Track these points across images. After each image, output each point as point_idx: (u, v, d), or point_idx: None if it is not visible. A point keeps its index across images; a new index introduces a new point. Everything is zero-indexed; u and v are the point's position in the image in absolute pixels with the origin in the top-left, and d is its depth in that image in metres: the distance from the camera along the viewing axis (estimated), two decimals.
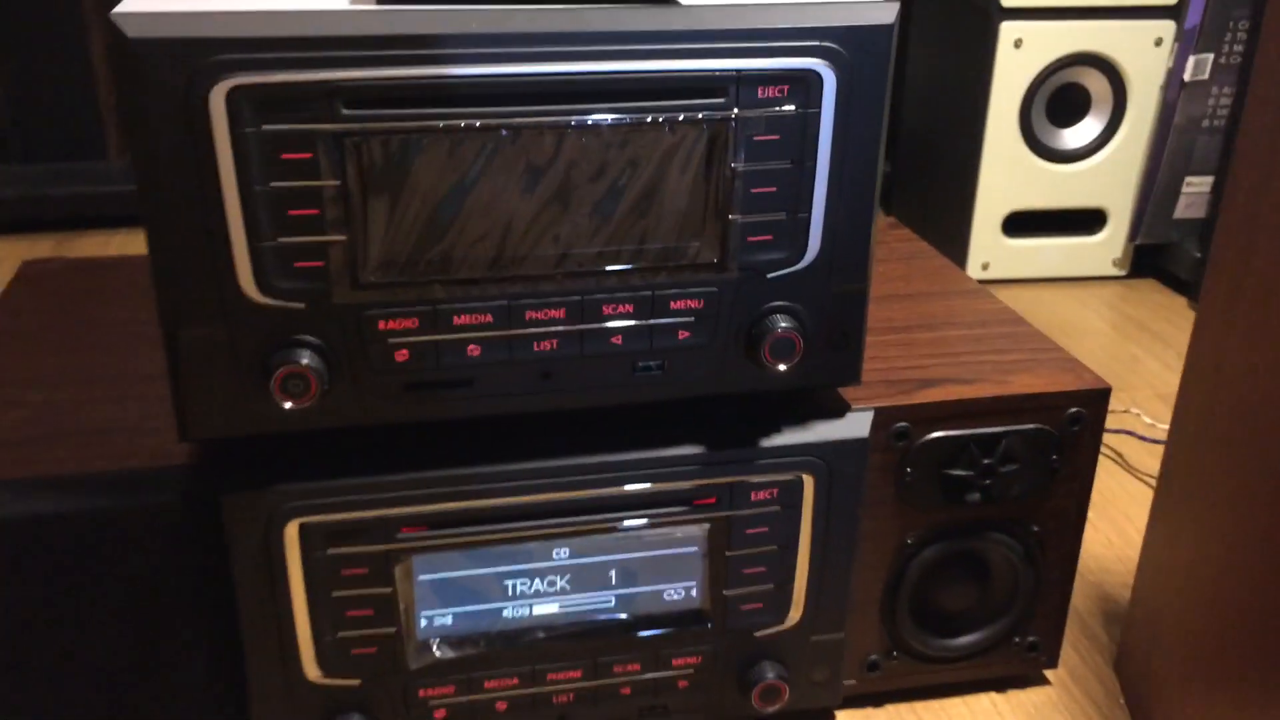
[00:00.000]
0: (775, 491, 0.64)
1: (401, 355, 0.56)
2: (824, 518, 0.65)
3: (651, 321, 0.58)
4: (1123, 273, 1.51)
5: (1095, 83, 1.41)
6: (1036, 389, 0.69)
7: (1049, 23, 1.35)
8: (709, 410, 0.65)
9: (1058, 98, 1.42)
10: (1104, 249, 1.49)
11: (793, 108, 0.56)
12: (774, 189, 0.57)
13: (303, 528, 0.59)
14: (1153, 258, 1.51)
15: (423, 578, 0.63)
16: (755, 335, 0.59)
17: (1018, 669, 0.77)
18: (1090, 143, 1.43)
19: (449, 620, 0.64)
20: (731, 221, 0.57)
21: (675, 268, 0.57)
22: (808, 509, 0.65)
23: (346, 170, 0.52)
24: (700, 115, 0.55)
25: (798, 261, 0.59)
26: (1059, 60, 1.38)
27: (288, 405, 0.54)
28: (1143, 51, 1.38)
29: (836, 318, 0.61)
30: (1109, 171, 1.44)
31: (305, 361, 0.54)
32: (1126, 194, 1.45)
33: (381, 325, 0.55)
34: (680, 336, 0.59)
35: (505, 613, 0.65)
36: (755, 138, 0.56)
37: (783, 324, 0.59)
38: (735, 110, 0.55)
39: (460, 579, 0.63)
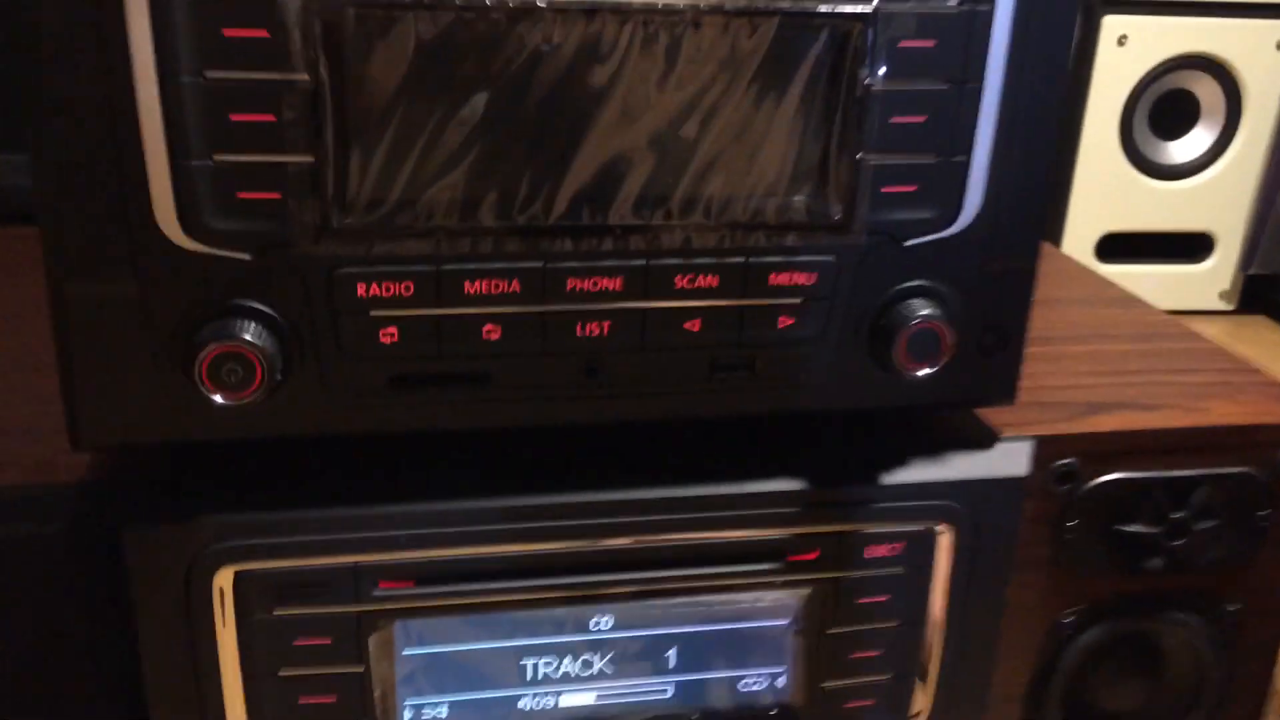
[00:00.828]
0: (899, 547, 0.47)
1: (388, 335, 0.39)
2: (963, 584, 0.48)
3: (743, 302, 0.41)
4: (1230, 307, 1.34)
5: (1207, 89, 1.25)
6: (1242, 420, 0.51)
7: (1158, 18, 1.20)
8: (811, 433, 0.48)
9: (1164, 105, 1.26)
10: (1210, 279, 1.31)
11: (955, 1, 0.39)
12: (923, 118, 0.40)
13: (239, 578, 0.41)
14: (1267, 290, 1.34)
15: (407, 652, 0.45)
16: (884, 326, 0.42)
17: None
18: (1199, 157, 1.26)
19: (443, 713, 0.47)
20: (861, 163, 0.40)
21: (779, 227, 0.40)
22: (941, 572, 0.47)
23: (318, 55, 0.36)
24: (824, 7, 0.38)
25: (948, 224, 0.42)
26: (1167, 62, 1.22)
27: (220, 400, 0.38)
28: (1262, 55, 1.22)
29: (993, 307, 0.44)
30: (1219, 191, 1.27)
31: (248, 338, 0.37)
32: (1239, 217, 1.29)
33: (361, 290, 0.38)
34: (780, 324, 0.42)
35: (522, 704, 0.47)
36: (902, 43, 0.39)
37: (923, 311, 0.42)
38: (875, 1, 0.38)
39: (460, 655, 0.46)
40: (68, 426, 0.39)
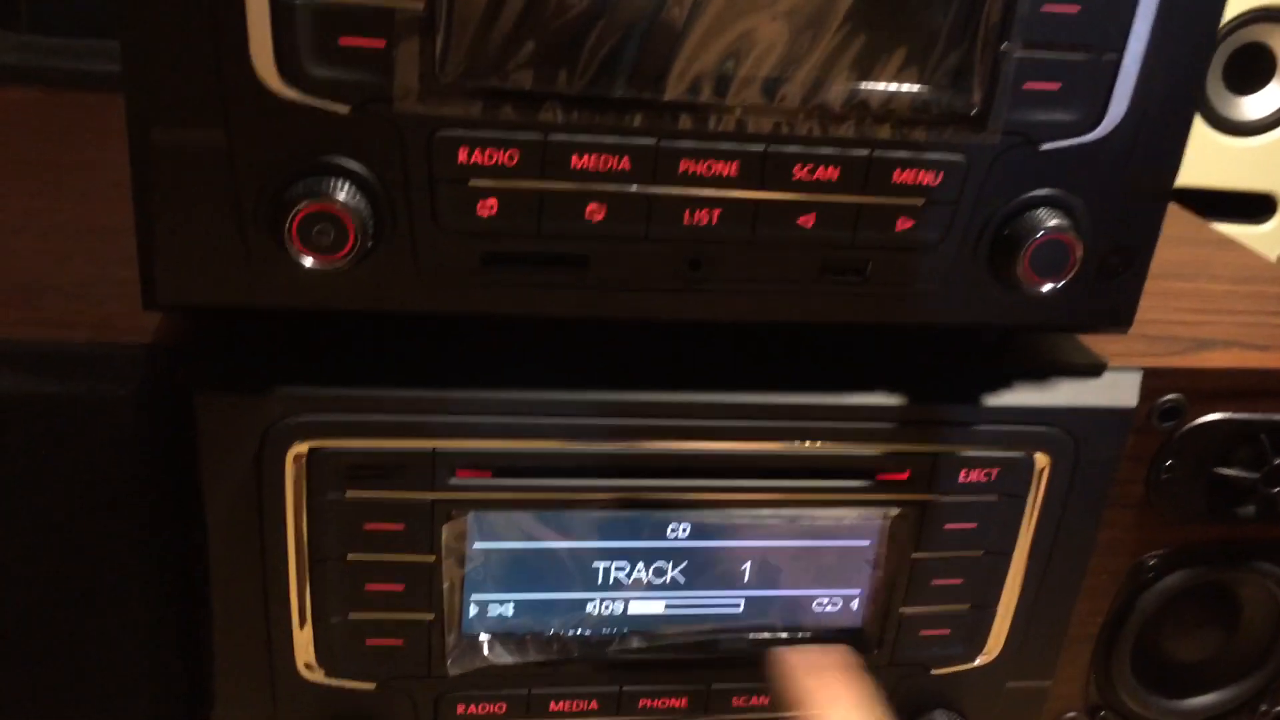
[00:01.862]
0: (995, 473, 0.44)
1: (487, 207, 0.37)
2: (1055, 517, 0.46)
3: (862, 199, 0.39)
4: None
5: None
6: None
7: None
8: (914, 349, 0.46)
9: (1237, 59, 1.21)
10: (1272, 241, 1.27)
11: None
12: (1076, 9, 0.37)
13: (313, 455, 0.39)
14: None
15: (479, 546, 0.44)
16: (1009, 236, 0.40)
17: None
18: (1271, 114, 1.22)
19: (509, 611, 0.45)
20: (1005, 54, 0.37)
21: (909, 120, 0.38)
22: (1035, 502, 0.45)
23: None
24: None
25: (1090, 129, 0.39)
26: (1243, 15, 1.17)
27: (308, 262, 0.35)
28: None
29: (1123, 224, 0.41)
30: None
31: (341, 197, 0.35)
32: None
33: (463, 155, 0.36)
34: (898, 226, 0.39)
35: (589, 608, 0.45)
36: None
37: (1053, 222, 0.39)
38: None
39: (530, 553, 0.44)
40: (142, 283, 0.37)
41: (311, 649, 0.43)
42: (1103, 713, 0.54)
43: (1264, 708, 0.55)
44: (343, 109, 0.35)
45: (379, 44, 0.34)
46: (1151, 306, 0.52)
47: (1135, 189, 0.40)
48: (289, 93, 0.34)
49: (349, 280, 0.37)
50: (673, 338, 0.43)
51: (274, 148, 0.35)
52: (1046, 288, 0.40)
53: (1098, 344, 0.47)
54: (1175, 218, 0.67)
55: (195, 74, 0.34)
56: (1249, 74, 1.22)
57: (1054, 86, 0.38)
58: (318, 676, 0.43)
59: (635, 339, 0.43)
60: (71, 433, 0.37)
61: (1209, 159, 1.24)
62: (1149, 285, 0.54)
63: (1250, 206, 1.27)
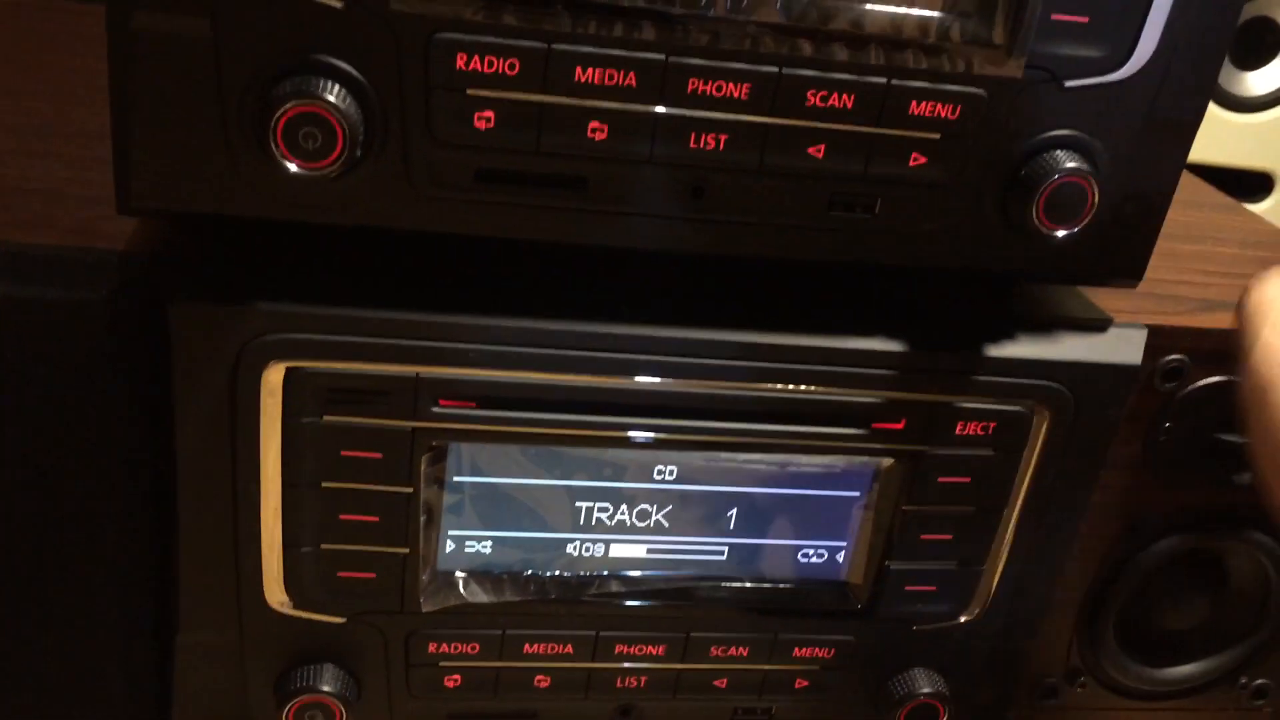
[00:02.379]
0: (991, 426, 0.43)
1: (483, 119, 0.35)
2: (1049, 474, 0.45)
3: (876, 130, 0.37)
4: None
5: None
6: None
7: None
8: (914, 295, 0.44)
9: (1243, 33, 1.19)
10: (1269, 219, 1.27)
11: None
12: None
13: (291, 375, 0.38)
14: None
15: (458, 479, 0.42)
16: (1025, 176, 0.38)
17: None
18: (1274, 91, 1.20)
19: (486, 548, 0.44)
20: None
21: (931, 47, 0.36)
22: (1032, 457, 0.44)
23: None
24: None
25: (1117, 66, 0.37)
26: None
27: (293, 168, 0.33)
28: None
29: (1143, 171, 0.40)
30: None
31: (330, 99, 0.33)
32: None
33: (461, 62, 0.34)
34: (911, 161, 0.38)
35: (569, 549, 0.44)
36: None
37: (1071, 164, 0.38)
38: None
39: (512, 490, 0.43)
40: (116, 185, 0.35)
41: (280, 578, 0.41)
42: (1082, 678, 0.53)
43: (1244, 680, 0.55)
44: (336, 3, 0.33)
45: None
46: (1157, 266, 0.51)
47: (1157, 134, 0.39)
48: None
49: (335, 191, 0.35)
50: (670, 269, 0.42)
51: (262, 41, 0.33)
52: (1060, 233, 0.38)
53: (1102, 299, 0.46)
54: (1181, 182, 0.66)
55: None
56: (1254, 49, 1.21)
57: (1083, 19, 0.36)
58: (285, 606, 0.42)
59: (631, 269, 0.41)
60: (44, 337, 0.36)
61: (1208, 133, 1.22)
62: (1156, 246, 0.52)
63: (1248, 184, 1.26)
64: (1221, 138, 1.21)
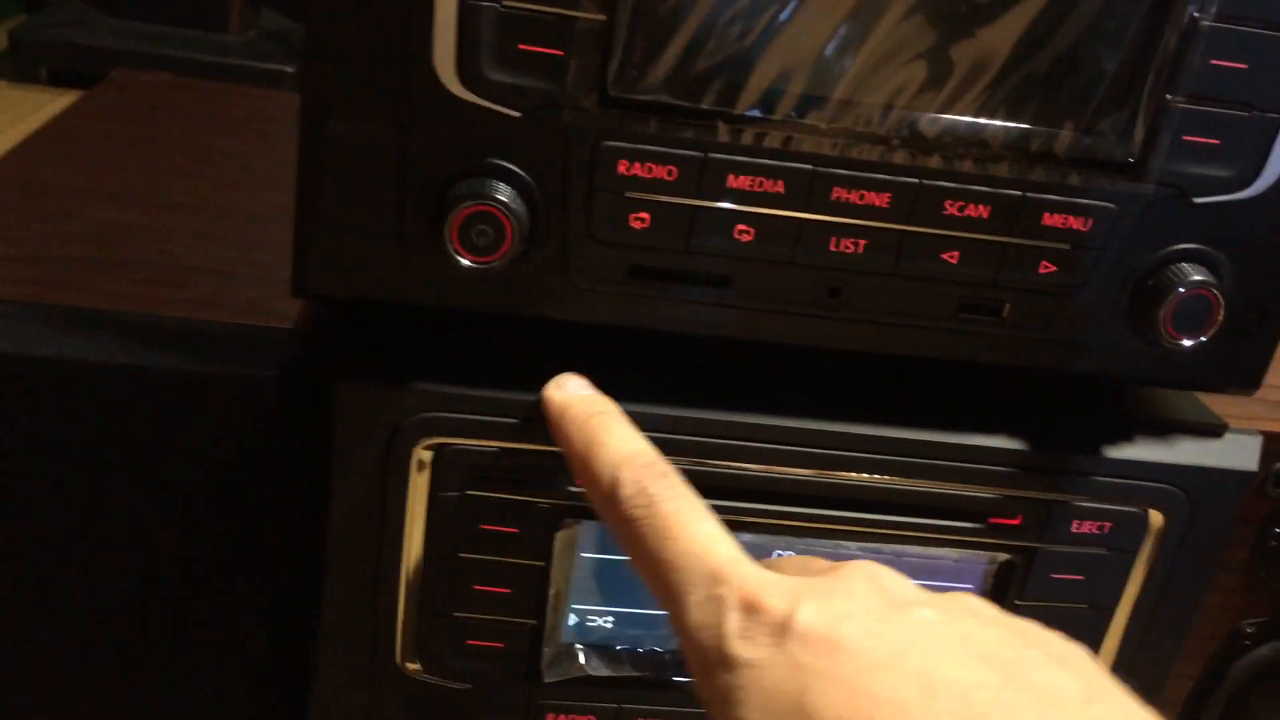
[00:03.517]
0: (1107, 526, 0.44)
1: (639, 220, 0.37)
2: (1162, 576, 0.45)
3: (1009, 240, 0.39)
4: None
5: None
6: None
7: None
8: (1035, 395, 0.45)
9: None
10: None
11: None
12: (1245, 65, 0.37)
13: (440, 450, 0.40)
14: None
15: (586, 555, 0.44)
16: (1152, 287, 0.39)
17: None
18: None
19: (608, 623, 0.45)
20: (1170, 105, 0.37)
21: (1066, 162, 0.38)
22: (1145, 558, 0.45)
23: None
24: None
25: (1245, 185, 0.39)
26: None
27: (465, 262, 0.36)
28: None
29: (1265, 284, 0.41)
30: None
31: (502, 198, 0.35)
32: None
33: (623, 167, 0.36)
34: (1041, 269, 0.39)
35: None
36: None
37: (1198, 276, 0.39)
38: None
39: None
40: (295, 270, 0.38)
41: (414, 644, 0.43)
42: None
43: None
44: (514, 113, 0.35)
45: (559, 51, 0.34)
46: (1271, 371, 0.52)
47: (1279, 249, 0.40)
48: (466, 94, 0.35)
49: (497, 282, 0.38)
50: (802, 364, 0.43)
51: (444, 146, 0.35)
52: (1186, 343, 0.39)
53: (1215, 404, 0.47)
54: None
55: (377, 70, 0.35)
56: None
57: (1214, 141, 0.38)
58: (417, 672, 0.43)
59: (768, 363, 0.43)
60: (215, 411, 0.38)
61: None
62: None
63: None
64: None
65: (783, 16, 0.35)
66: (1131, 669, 0.47)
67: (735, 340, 0.40)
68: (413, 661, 0.43)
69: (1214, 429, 0.45)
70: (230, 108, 0.62)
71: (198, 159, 0.54)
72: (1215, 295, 0.39)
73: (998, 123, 0.37)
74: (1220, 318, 0.39)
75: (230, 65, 1.40)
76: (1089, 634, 0.46)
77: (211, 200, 0.50)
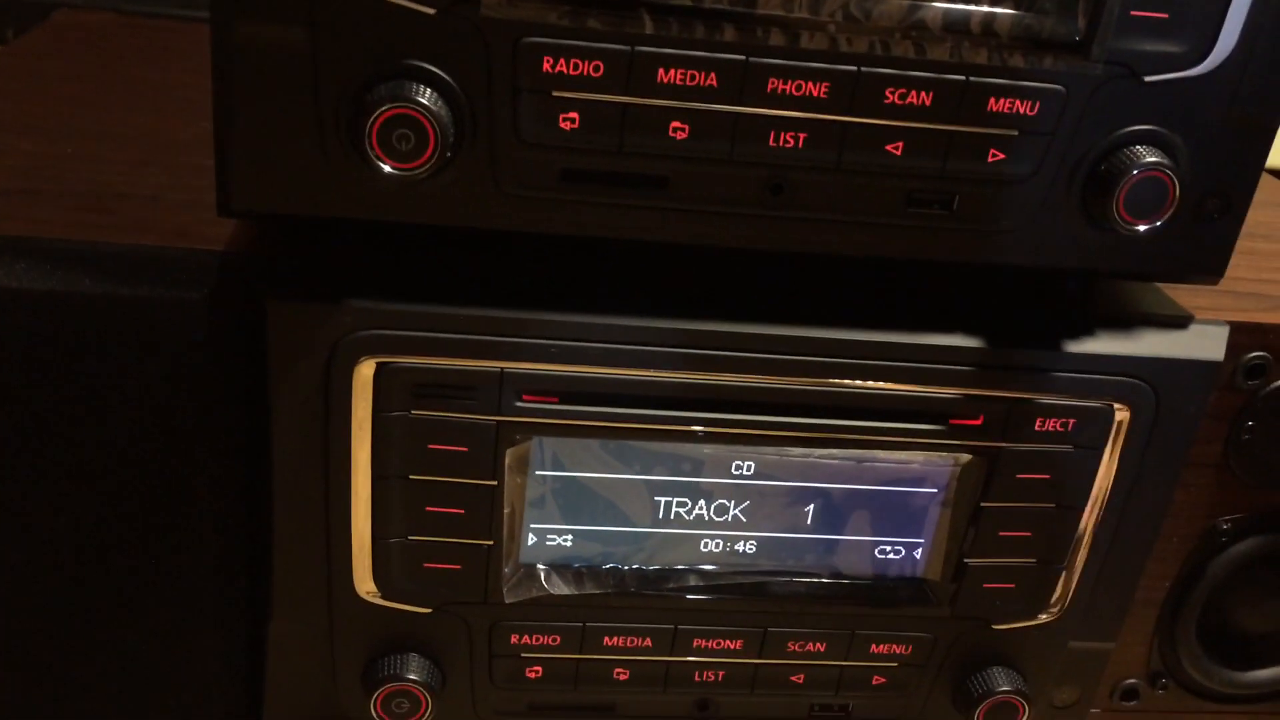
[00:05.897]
0: (1071, 423, 0.43)
1: (569, 120, 0.36)
2: (1131, 473, 0.44)
3: (954, 127, 0.37)
4: None
5: None
6: None
7: None
8: (993, 292, 0.44)
9: None
10: None
11: None
12: None
13: (381, 370, 0.39)
14: None
15: (540, 473, 0.43)
16: (1105, 172, 0.38)
17: None
18: None
19: (568, 542, 0.45)
20: None
21: (1010, 43, 0.36)
22: (1113, 455, 0.44)
23: None
24: None
25: (1197, 62, 0.37)
26: None
27: (387, 169, 0.35)
28: None
29: (1223, 165, 0.40)
30: None
31: (423, 101, 0.34)
32: None
33: (547, 64, 0.35)
34: (990, 158, 0.38)
35: (648, 543, 0.45)
36: None
37: (1151, 158, 0.38)
38: None
39: (594, 484, 0.44)
40: (218, 189, 0.36)
41: (369, 569, 0.42)
42: (1164, 680, 0.52)
43: None
44: (428, 9, 0.34)
45: None
46: (1236, 265, 0.50)
47: (1238, 128, 0.39)
48: None
49: (425, 193, 0.36)
50: (749, 266, 0.42)
51: (358, 48, 0.34)
52: (1141, 228, 0.38)
53: (1181, 297, 0.46)
54: (1260, 182, 0.65)
55: None
56: None
57: (1163, 15, 0.36)
58: (374, 596, 0.43)
59: (710, 266, 0.42)
60: (147, 335, 0.37)
61: None
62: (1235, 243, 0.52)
63: None
64: None
65: None
66: (1103, 569, 0.47)
67: (679, 245, 0.39)
68: (369, 587, 0.43)
69: (1179, 320, 0.44)
70: (174, 43, 0.61)
71: (136, 92, 0.53)
72: (1170, 177, 0.38)
73: (935, 2, 0.35)
74: (1176, 200, 0.38)
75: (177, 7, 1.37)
76: (1058, 534, 0.45)
77: (147, 131, 0.48)
